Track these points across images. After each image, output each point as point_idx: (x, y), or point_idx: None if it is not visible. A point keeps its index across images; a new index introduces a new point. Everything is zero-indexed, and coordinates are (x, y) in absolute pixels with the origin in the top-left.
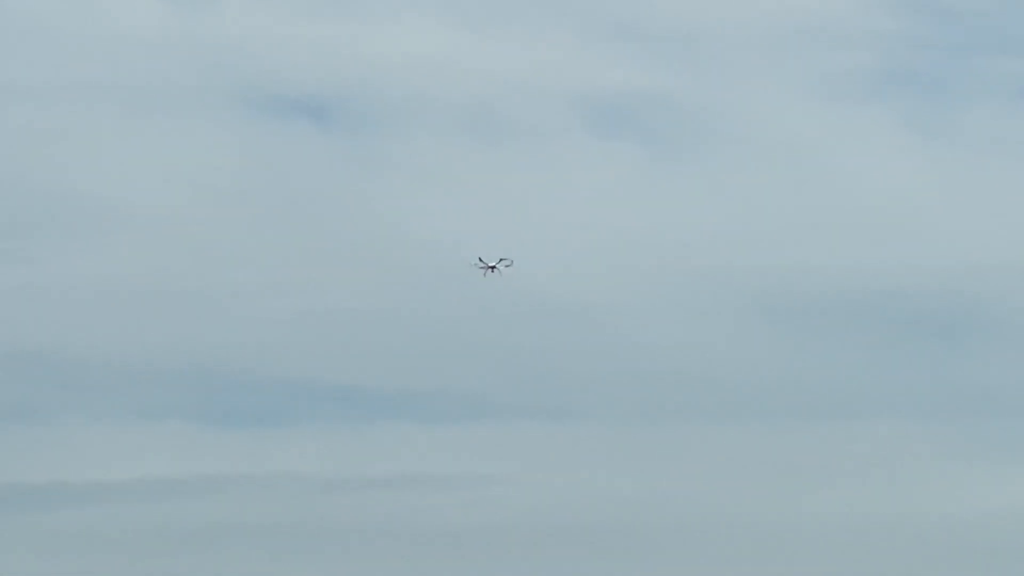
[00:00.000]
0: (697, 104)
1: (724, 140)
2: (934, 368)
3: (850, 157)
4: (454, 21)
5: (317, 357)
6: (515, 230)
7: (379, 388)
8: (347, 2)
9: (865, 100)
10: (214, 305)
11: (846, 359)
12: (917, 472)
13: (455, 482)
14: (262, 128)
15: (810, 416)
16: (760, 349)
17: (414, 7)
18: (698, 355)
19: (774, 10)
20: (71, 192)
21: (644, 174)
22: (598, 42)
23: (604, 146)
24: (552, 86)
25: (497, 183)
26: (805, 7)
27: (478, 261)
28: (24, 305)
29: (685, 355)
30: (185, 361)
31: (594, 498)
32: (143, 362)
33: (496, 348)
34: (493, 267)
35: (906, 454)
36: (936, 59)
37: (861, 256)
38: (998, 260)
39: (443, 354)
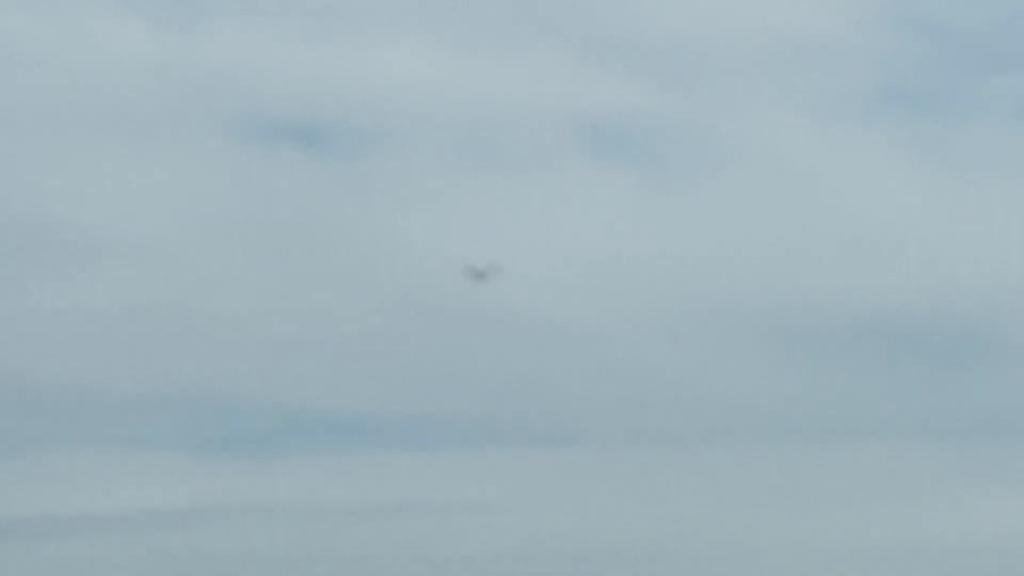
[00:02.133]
0: (694, 126)
1: (721, 161)
2: (938, 390)
3: (849, 178)
4: (447, 44)
5: (312, 385)
6: (511, 253)
7: (375, 415)
8: (338, 26)
9: (864, 120)
10: (205, 333)
11: (848, 382)
12: (922, 495)
13: (452, 510)
14: (253, 153)
15: (813, 439)
16: (760, 372)
17: (407, 30)
18: (698, 379)
19: (772, 30)
20: (58, 219)
21: (641, 196)
22: (594, 64)
23: (601, 169)
24: (548, 109)
25: (492, 207)
26: (803, 27)
27: (469, 268)
28: (11, 334)
29: (685, 380)
30: (177, 390)
31: (593, 524)
32: (134, 391)
33: (493, 374)
34: (483, 274)
35: (911, 477)
36: (935, 78)
37: (862, 278)
38: (1001, 280)
39: (439, 381)
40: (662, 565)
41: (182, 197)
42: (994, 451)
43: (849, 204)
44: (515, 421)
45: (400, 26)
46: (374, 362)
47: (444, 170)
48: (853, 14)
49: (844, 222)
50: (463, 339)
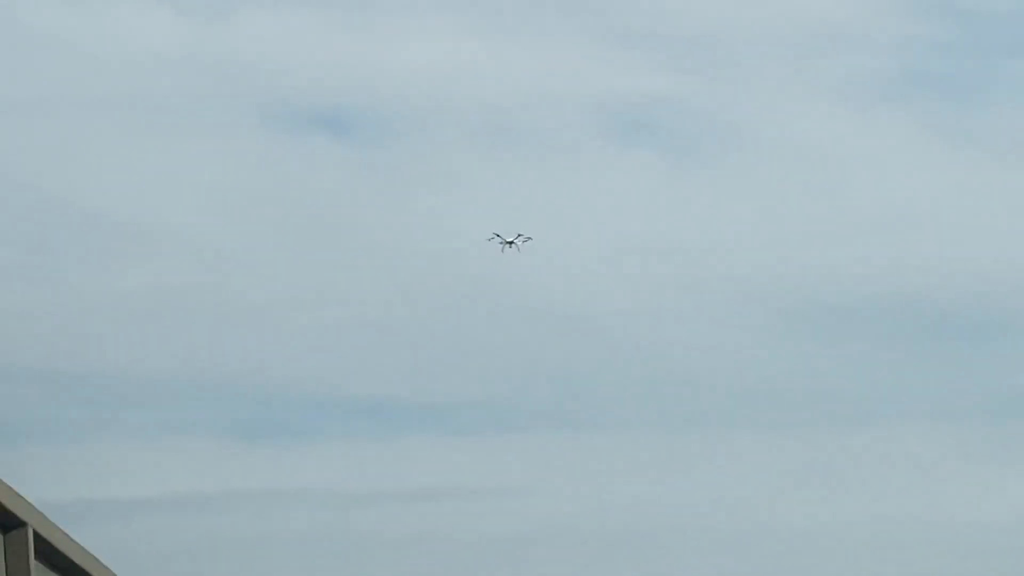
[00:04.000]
0: (717, 110)
1: (744, 145)
2: (959, 372)
3: (872, 161)
4: (470, 30)
5: (342, 369)
6: (536, 237)
7: (404, 400)
8: (363, 14)
9: (887, 104)
10: (236, 319)
11: (869, 364)
12: (941, 477)
13: (480, 493)
14: (281, 142)
15: (833, 421)
16: (781, 355)
17: (430, 17)
18: (721, 362)
19: (793, 14)
20: (90, 208)
21: (665, 181)
22: (616, 48)
23: (624, 153)
24: (571, 94)
25: (517, 191)
26: (824, 10)
27: (494, 236)
28: (45, 323)
29: (708, 362)
30: (208, 376)
31: (618, 506)
32: (166, 378)
33: (518, 358)
34: (511, 242)
35: (929, 459)
36: (958, 62)
37: (883, 260)
38: (1022, 262)
39: (466, 365)
40: (688, 545)
41: (213, 186)
42: (1010, 433)
43: (871, 187)
44: (541, 405)
45: (425, 13)
46: (402, 347)
47: (470, 155)
48: None
49: (867, 205)
50: (489, 323)
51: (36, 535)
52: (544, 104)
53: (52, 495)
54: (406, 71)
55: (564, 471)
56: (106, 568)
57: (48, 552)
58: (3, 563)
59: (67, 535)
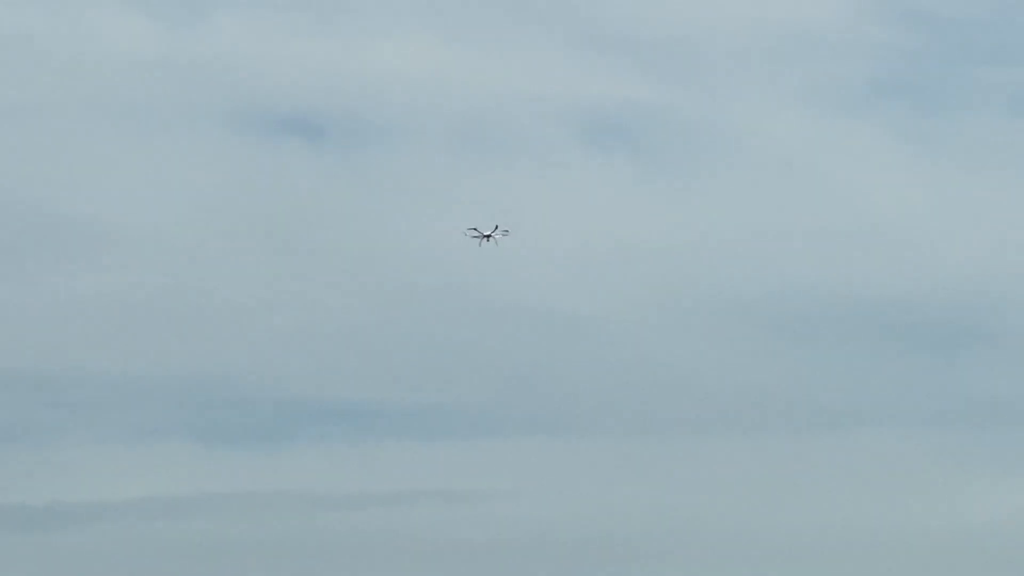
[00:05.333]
0: (691, 116)
1: (718, 151)
2: (934, 379)
3: (844, 168)
4: (447, 37)
5: (317, 374)
6: (511, 243)
7: (380, 405)
8: (339, 20)
9: (859, 111)
10: (212, 323)
11: (845, 370)
12: (918, 482)
13: (457, 497)
14: (256, 146)
15: (812, 427)
16: (760, 361)
17: (406, 24)
18: (699, 369)
19: (767, 22)
20: (65, 211)
21: (639, 187)
22: (592, 56)
23: (599, 159)
24: (546, 100)
25: (492, 197)
26: (798, 19)
27: (472, 231)
28: (20, 325)
29: (686, 369)
30: (185, 380)
31: (597, 511)
32: (142, 381)
33: (496, 364)
34: (488, 236)
35: (907, 464)
36: (930, 70)
37: (858, 267)
38: (996, 270)
39: (443, 370)
40: (668, 549)
41: (185, 189)
42: (989, 438)
43: (844, 194)
44: (521, 410)
45: (399, 20)
46: (380, 352)
47: (443, 161)
48: (849, 6)
49: (840, 212)
50: (467, 329)
51: None
52: (518, 109)
53: (24, 497)
54: (380, 76)
55: (545, 476)
56: None
57: None
58: None
59: None
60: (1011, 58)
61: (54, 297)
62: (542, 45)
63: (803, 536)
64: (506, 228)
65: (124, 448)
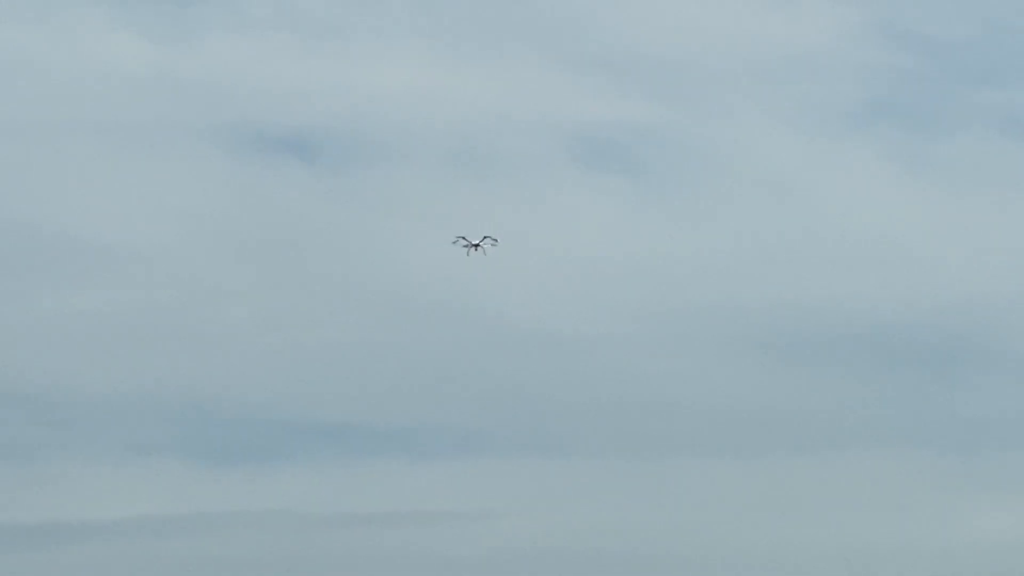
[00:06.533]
0: (684, 137)
1: (711, 171)
2: (924, 400)
3: (836, 189)
4: (440, 57)
5: (308, 393)
6: (503, 263)
7: (371, 424)
8: (331, 39)
9: (851, 132)
10: (204, 342)
11: (835, 391)
12: (909, 504)
13: (448, 518)
14: (248, 165)
15: (801, 449)
16: (751, 382)
17: (401, 44)
18: (689, 389)
19: (759, 44)
20: (57, 229)
21: (631, 206)
22: (584, 75)
23: (590, 179)
24: (539, 120)
25: (484, 217)
26: (790, 40)
27: (460, 239)
28: (11, 343)
29: (676, 389)
30: (176, 399)
31: (588, 532)
32: (134, 400)
33: (487, 383)
34: (477, 245)
35: (897, 486)
36: (921, 91)
37: (849, 287)
38: (987, 291)
39: (434, 390)
40: (660, 571)
41: (177, 208)
42: (981, 460)
43: (836, 214)
44: (513, 430)
45: (393, 40)
46: (371, 371)
47: (437, 181)
48: (840, 28)
49: (831, 232)
50: (461, 349)
51: None
52: (513, 130)
53: (18, 517)
54: (375, 96)
55: (536, 496)
56: None
57: None
58: None
59: None
60: (1004, 80)
61: (45, 315)
62: (536, 65)
63: (796, 557)
64: (495, 238)
65: (116, 466)
